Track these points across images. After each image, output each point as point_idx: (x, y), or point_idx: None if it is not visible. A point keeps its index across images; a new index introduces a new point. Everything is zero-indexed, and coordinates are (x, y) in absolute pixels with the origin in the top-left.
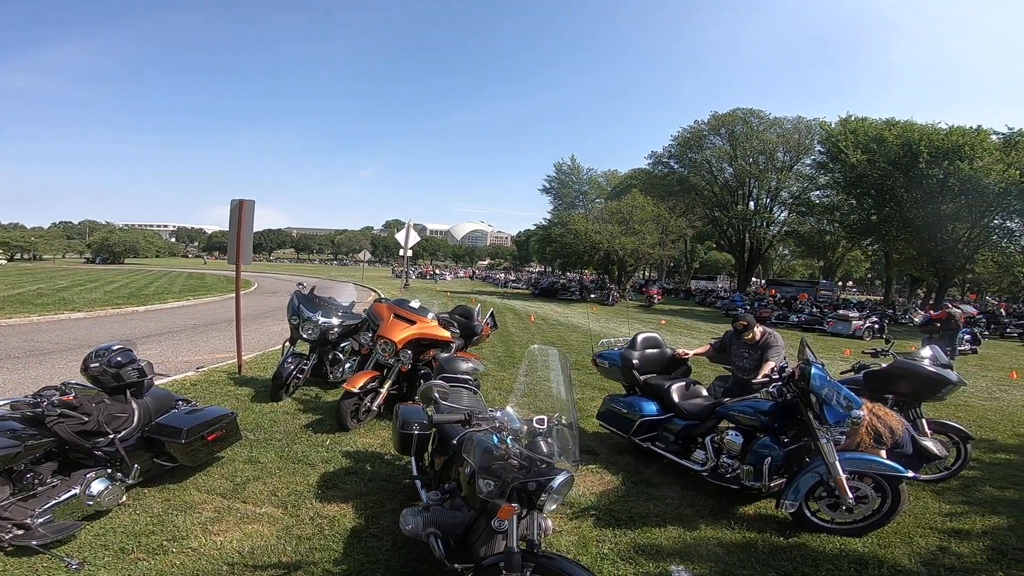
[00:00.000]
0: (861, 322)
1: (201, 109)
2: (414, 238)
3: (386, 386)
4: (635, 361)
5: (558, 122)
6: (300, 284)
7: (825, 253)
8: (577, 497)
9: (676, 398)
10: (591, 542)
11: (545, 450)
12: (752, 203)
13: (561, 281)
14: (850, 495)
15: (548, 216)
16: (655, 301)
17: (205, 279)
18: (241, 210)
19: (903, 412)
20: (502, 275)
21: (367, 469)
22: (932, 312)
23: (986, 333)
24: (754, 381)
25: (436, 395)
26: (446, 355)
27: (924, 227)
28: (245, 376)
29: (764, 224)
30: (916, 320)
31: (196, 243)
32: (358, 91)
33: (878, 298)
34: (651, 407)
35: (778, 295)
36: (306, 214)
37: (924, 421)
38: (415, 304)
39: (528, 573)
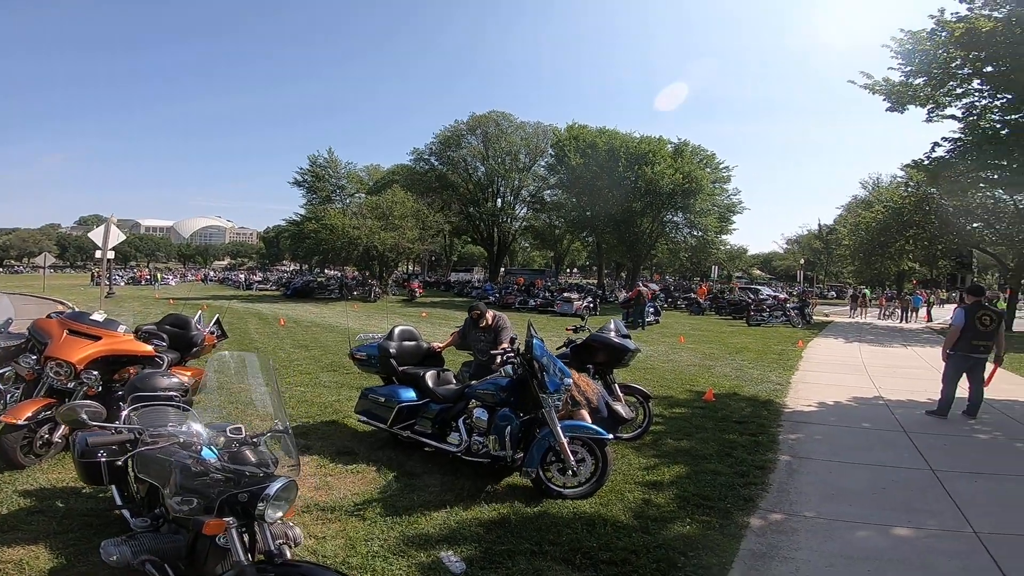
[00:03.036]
0: (581, 302)
1: None
2: (117, 236)
3: None
4: (393, 351)
5: (319, 115)
6: None
7: (555, 245)
8: (339, 500)
9: (431, 384)
10: (359, 542)
11: (253, 459)
12: (499, 200)
13: (319, 279)
14: (572, 459)
15: (301, 211)
16: (417, 295)
17: None
18: None
19: (601, 379)
20: (244, 275)
21: (59, 506)
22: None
23: (665, 305)
24: (493, 352)
25: (84, 416)
26: (147, 371)
27: (622, 221)
28: None
29: (509, 220)
30: (620, 298)
31: None
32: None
33: (594, 281)
34: (409, 393)
35: (525, 282)
36: None
37: (616, 386)
38: (99, 317)
39: None
